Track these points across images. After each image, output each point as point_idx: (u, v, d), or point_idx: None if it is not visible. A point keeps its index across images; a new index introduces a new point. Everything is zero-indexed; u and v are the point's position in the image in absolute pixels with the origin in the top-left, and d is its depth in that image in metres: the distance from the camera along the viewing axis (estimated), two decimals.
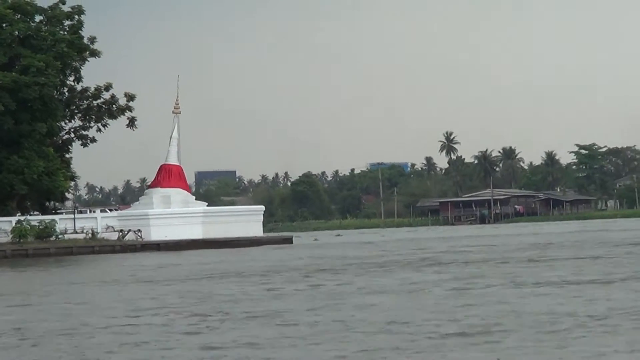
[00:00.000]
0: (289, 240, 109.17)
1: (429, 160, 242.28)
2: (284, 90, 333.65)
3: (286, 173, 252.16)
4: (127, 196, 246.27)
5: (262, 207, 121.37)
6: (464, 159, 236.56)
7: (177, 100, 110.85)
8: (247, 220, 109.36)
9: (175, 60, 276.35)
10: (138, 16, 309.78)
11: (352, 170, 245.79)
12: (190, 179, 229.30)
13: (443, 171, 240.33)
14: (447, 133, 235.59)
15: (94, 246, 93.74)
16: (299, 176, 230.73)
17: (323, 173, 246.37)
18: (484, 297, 36.15)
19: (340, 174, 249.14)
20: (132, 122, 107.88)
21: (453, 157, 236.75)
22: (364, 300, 35.45)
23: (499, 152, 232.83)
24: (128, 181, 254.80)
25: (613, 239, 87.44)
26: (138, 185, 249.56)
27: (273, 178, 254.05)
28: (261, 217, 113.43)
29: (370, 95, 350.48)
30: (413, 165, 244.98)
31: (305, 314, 31.88)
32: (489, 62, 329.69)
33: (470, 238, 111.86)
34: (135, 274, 64.22)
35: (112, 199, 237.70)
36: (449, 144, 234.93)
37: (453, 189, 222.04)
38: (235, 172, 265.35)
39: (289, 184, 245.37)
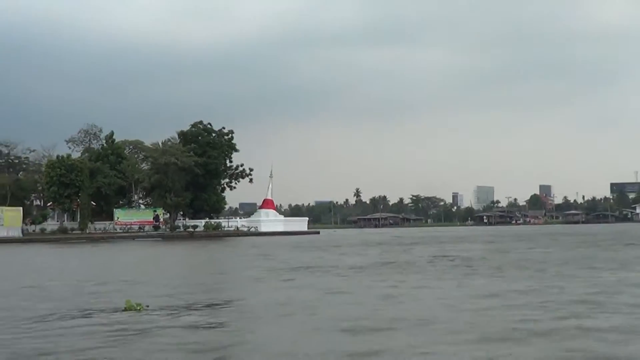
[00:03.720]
0: (317, 232, 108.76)
1: (347, 200, 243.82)
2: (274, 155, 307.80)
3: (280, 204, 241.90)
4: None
5: (307, 218, 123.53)
6: (364, 200, 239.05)
7: (271, 170, 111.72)
8: (300, 223, 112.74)
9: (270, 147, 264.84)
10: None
11: (309, 203, 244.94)
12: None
13: (354, 205, 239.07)
14: (356, 189, 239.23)
15: (238, 233, 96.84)
16: (289, 205, 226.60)
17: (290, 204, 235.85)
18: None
19: (313, 203, 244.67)
20: (251, 180, 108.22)
21: (359, 199, 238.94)
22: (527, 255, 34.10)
23: (379, 197, 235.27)
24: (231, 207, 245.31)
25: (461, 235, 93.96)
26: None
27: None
28: (306, 222, 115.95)
29: (318, 159, 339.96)
30: (337, 202, 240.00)
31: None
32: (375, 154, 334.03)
33: (402, 233, 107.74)
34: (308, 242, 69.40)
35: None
36: (357, 193, 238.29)
37: (360, 213, 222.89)
38: (256, 203, 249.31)
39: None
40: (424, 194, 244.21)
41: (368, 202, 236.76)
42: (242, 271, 29.01)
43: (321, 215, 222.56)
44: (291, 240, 75.00)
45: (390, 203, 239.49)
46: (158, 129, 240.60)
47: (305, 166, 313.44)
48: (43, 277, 27.04)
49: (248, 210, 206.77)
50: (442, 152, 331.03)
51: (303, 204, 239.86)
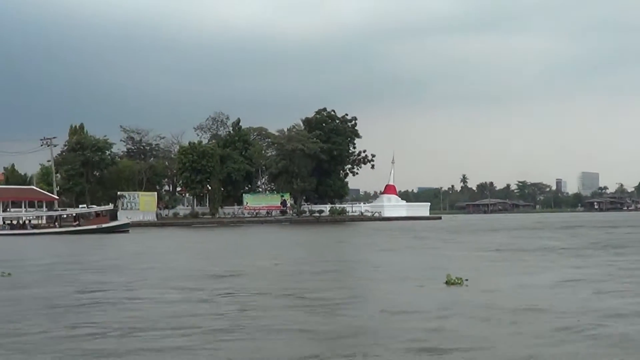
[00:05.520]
0: (439, 218, 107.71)
1: (452, 186, 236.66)
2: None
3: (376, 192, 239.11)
4: None
5: (429, 203, 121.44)
6: (470, 187, 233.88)
7: (393, 157, 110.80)
8: (422, 208, 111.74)
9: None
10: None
11: (412, 190, 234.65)
12: None
13: (459, 191, 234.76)
14: (463, 175, 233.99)
15: (362, 218, 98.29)
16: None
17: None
18: None
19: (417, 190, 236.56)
20: (372, 166, 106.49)
21: (465, 185, 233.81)
22: None
23: (487, 183, 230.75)
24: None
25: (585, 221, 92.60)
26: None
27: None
28: (428, 207, 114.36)
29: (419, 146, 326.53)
30: (441, 188, 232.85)
31: None
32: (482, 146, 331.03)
33: (529, 220, 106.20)
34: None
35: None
36: (464, 179, 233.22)
37: (467, 199, 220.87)
38: (359, 189, 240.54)
39: None
40: (524, 180, 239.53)
41: (474, 188, 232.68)
42: (481, 252, 29.34)
43: (426, 201, 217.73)
44: (426, 225, 74.92)
45: (496, 189, 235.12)
46: (272, 116, 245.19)
47: (407, 153, 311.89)
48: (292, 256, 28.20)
49: (353, 195, 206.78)
50: (544, 138, 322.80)
51: (407, 190, 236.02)
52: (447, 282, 16.77)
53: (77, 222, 59.85)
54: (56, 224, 60.10)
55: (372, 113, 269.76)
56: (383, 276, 19.17)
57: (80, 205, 67.39)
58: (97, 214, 61.17)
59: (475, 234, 49.54)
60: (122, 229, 60.22)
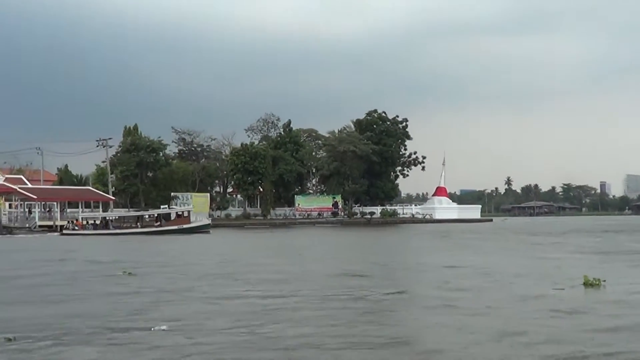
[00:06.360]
0: (490, 220, 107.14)
1: (496, 189, 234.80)
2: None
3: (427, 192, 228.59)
4: None
5: (480, 205, 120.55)
6: (514, 189, 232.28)
7: (444, 158, 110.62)
8: (474, 210, 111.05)
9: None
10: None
11: (455, 192, 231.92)
12: None
13: (503, 193, 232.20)
14: (508, 178, 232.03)
15: (413, 220, 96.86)
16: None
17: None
18: None
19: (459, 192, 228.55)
20: (423, 168, 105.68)
21: (509, 187, 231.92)
22: None
23: (532, 185, 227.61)
24: None
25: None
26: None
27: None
28: (479, 210, 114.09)
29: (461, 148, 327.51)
30: (485, 190, 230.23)
31: None
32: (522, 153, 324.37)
33: (574, 222, 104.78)
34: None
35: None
36: (509, 182, 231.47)
37: (512, 201, 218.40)
38: (400, 191, 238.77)
39: None
40: (569, 182, 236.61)
41: (519, 190, 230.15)
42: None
43: (471, 203, 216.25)
44: (483, 227, 74.65)
45: (541, 191, 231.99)
46: (320, 118, 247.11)
47: (449, 155, 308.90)
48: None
49: (398, 197, 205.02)
50: (587, 141, 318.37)
51: (451, 193, 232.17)
52: (585, 284, 16.96)
53: (158, 223, 60.99)
54: (138, 224, 61.50)
55: (415, 114, 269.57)
56: (509, 278, 19.21)
57: (162, 206, 68.57)
58: (178, 215, 62.27)
59: (545, 235, 49.41)
60: (203, 229, 61.19)
